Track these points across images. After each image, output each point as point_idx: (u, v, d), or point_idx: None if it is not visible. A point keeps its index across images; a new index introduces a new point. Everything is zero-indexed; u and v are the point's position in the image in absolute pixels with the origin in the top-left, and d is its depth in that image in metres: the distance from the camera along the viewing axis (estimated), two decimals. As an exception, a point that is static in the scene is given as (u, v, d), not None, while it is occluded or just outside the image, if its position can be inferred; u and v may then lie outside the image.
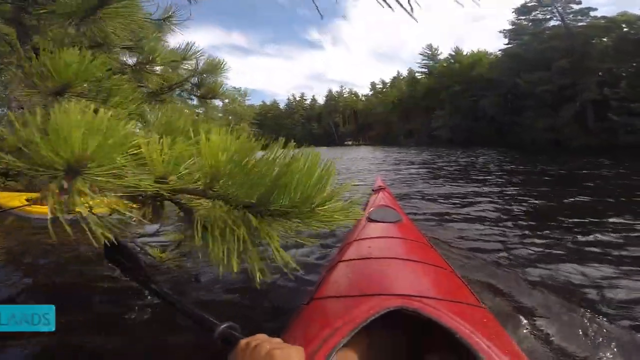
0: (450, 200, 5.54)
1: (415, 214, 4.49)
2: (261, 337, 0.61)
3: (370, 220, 2.09)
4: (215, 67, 2.19)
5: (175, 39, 2.21)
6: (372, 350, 0.94)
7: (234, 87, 53.79)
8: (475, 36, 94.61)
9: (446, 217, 4.43)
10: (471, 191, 6.23)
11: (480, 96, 29.02)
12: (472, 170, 9.67)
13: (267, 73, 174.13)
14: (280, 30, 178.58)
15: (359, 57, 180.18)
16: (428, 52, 46.55)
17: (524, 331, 1.78)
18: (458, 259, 2.70)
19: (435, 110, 36.18)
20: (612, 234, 3.43)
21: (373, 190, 3.03)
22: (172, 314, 1.37)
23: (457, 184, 7.28)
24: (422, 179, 8.33)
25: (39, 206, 4.00)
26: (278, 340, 0.62)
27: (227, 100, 49.48)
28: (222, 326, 0.68)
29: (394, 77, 61.13)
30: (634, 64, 17.77)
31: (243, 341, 0.61)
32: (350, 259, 1.55)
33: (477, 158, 13.51)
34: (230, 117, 48.69)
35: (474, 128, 29.86)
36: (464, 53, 39.14)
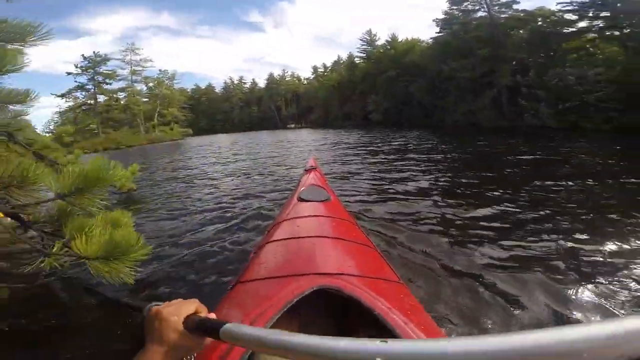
0: (377, 179, 5.69)
1: (345, 193, 4.68)
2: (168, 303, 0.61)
3: (300, 199, 2.09)
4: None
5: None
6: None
7: (160, 70, 49.62)
8: (410, 24, 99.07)
9: (374, 195, 4.57)
10: (397, 169, 6.46)
11: (411, 82, 30.33)
12: (401, 150, 10.05)
13: (201, 56, 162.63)
14: (215, 11, 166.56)
15: (301, 41, 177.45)
16: (367, 37, 47.25)
17: (441, 305, 1.91)
18: (382, 236, 2.91)
19: (371, 94, 36.98)
20: (510, 205, 3.80)
21: (305, 170, 3.04)
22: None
23: (385, 163, 7.45)
24: (354, 158, 8.58)
25: None
26: (179, 300, 0.62)
27: (151, 84, 45.15)
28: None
29: (335, 62, 61.46)
30: (542, 54, 19.52)
31: (154, 308, 0.60)
32: (279, 239, 1.55)
33: (406, 138, 14.05)
34: (157, 102, 44.68)
35: (404, 111, 31.28)
36: (399, 40, 40.32)
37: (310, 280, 0.99)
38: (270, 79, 71.92)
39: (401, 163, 7.22)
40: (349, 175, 6.15)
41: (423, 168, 6.54)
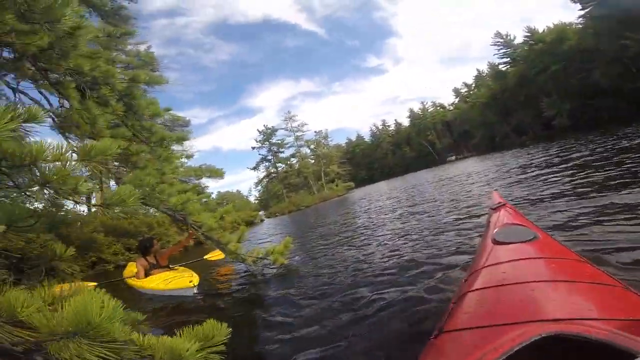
0: (601, 205, 3.90)
1: (554, 228, 3.49)
2: None
3: (496, 242, 1.86)
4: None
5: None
6: None
7: (316, 131, 55.94)
8: (537, 16, 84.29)
9: (600, 225, 3.22)
10: (629, 188, 4.30)
11: (588, 70, 23.85)
12: (613, 160, 6.92)
13: (344, 110, 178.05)
14: (337, 67, 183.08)
15: (427, 69, 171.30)
16: (500, 40, 42.06)
17: None
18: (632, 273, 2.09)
19: (540, 97, 31.01)
20: None
21: (491, 208, 2.68)
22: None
23: (603, 182, 5.15)
24: (552, 183, 6.26)
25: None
26: None
27: (312, 146, 51.69)
28: None
29: (476, 76, 56.51)
30: None
31: None
32: (482, 288, 1.40)
33: (618, 141, 10.04)
34: (321, 162, 50.49)
35: (595, 106, 24.46)
36: (540, 31, 34.70)
37: (534, 328, 0.88)
38: (412, 114, 71.19)
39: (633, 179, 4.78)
40: (551, 207, 4.46)
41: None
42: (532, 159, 12.38)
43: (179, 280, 4.39)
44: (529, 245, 1.75)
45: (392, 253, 4.32)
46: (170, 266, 5.52)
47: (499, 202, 2.71)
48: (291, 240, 5.31)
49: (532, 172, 8.71)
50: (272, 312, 3.12)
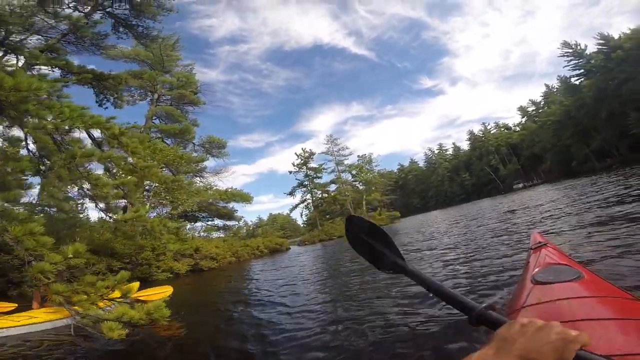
0: None
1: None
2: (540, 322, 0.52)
3: (536, 282, 1.70)
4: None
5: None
6: None
7: (359, 156, 52.95)
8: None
9: None
10: None
11: None
12: None
13: (397, 134, 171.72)
14: (390, 89, 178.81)
15: (487, 88, 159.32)
16: (569, 50, 36.76)
17: None
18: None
19: (628, 112, 25.59)
20: None
21: (531, 248, 2.46)
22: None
23: None
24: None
25: None
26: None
27: (354, 172, 48.84)
28: (481, 307, 0.68)
29: (545, 92, 50.43)
30: None
31: (518, 321, 0.53)
32: None
33: None
34: (362, 188, 47.46)
35: None
36: (616, 37, 29.86)
37: None
38: (473, 137, 65.34)
39: None
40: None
41: None
42: (620, 188, 9.05)
43: None
44: (572, 284, 1.65)
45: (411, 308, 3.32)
46: None
47: (539, 242, 2.49)
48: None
49: (624, 204, 6.13)
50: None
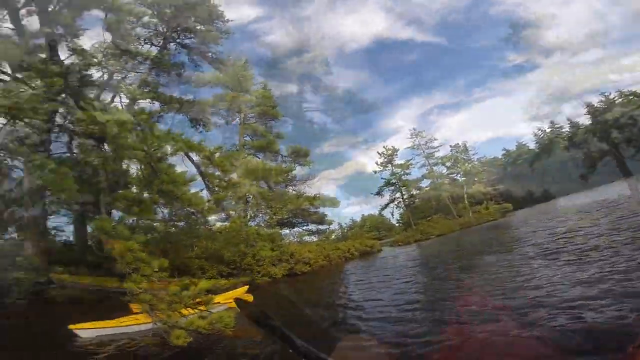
0: None
1: None
2: None
3: None
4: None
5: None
6: None
7: (451, 146, 47.34)
8: None
9: None
10: None
11: None
12: None
13: (492, 117, 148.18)
14: (473, 71, 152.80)
15: (593, 55, 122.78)
16: None
17: None
18: None
19: None
20: None
21: None
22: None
23: None
24: None
25: None
26: None
27: (448, 164, 44.30)
28: None
29: None
30: None
31: None
32: None
33: None
34: (461, 180, 42.88)
35: None
36: None
37: None
38: (591, 110, 53.24)
39: None
40: None
41: None
42: None
43: None
44: None
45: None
46: None
47: None
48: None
49: None
50: None
